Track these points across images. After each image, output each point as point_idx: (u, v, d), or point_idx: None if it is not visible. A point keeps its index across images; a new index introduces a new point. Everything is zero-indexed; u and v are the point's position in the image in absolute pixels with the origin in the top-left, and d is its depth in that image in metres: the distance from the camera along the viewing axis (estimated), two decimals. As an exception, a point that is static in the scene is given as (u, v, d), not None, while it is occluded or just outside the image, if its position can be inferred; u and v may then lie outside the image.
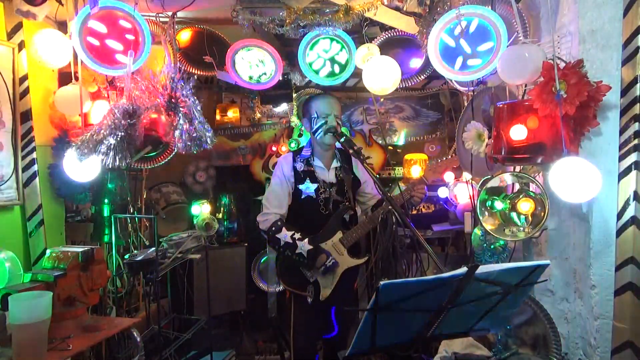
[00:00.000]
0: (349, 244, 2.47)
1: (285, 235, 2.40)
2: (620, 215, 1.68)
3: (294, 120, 4.11)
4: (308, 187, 2.51)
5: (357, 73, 2.85)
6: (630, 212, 1.65)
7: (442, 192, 3.30)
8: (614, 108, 1.67)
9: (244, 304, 3.76)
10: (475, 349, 1.95)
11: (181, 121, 2.31)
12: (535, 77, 1.70)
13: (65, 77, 2.61)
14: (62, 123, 2.76)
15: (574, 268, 1.91)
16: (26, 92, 2.50)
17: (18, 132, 2.46)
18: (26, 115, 2.50)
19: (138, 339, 2.29)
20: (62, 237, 2.83)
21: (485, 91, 2.26)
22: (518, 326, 1.94)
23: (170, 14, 2.71)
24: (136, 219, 3.29)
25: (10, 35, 2.44)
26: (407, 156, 3.63)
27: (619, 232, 1.68)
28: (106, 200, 3.00)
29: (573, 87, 1.57)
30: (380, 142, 4.18)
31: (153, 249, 2.80)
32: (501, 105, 1.82)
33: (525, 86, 1.98)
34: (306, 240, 2.38)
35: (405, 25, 2.62)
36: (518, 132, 1.70)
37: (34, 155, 2.53)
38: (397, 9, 2.58)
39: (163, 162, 2.84)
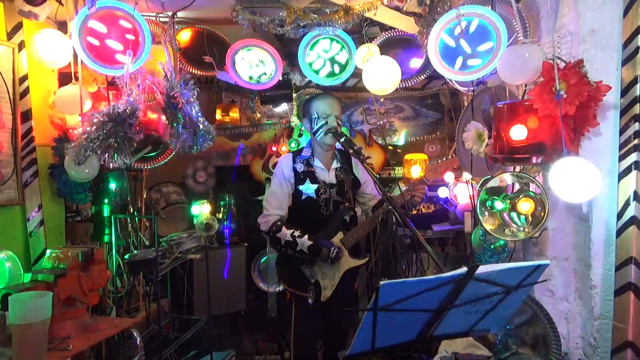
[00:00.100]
0: (350, 245, 2.47)
1: (285, 234, 2.40)
2: (620, 215, 1.68)
3: (294, 120, 4.11)
4: (308, 188, 2.50)
5: (357, 73, 2.85)
6: (630, 212, 1.65)
7: (442, 192, 3.30)
8: (614, 108, 1.67)
9: (244, 304, 3.76)
10: (475, 349, 1.95)
11: (180, 121, 2.31)
12: (535, 77, 1.70)
13: (65, 77, 2.61)
14: (62, 123, 2.77)
15: (574, 268, 1.92)
16: (26, 92, 2.50)
17: (18, 132, 2.46)
18: (26, 115, 2.50)
19: (138, 339, 2.29)
20: (62, 237, 2.83)
21: (485, 91, 2.26)
22: (518, 326, 1.94)
23: (170, 14, 2.71)
24: (136, 219, 3.30)
25: (10, 35, 2.44)
26: (407, 156, 3.63)
27: (619, 232, 1.68)
28: (106, 200, 3.00)
29: (573, 87, 1.57)
30: (380, 142, 4.18)
31: (153, 249, 2.80)
32: (501, 105, 1.82)
33: (525, 86, 1.98)
34: (306, 236, 2.38)
35: (405, 25, 2.63)
36: (518, 132, 1.70)
37: (34, 155, 2.53)
38: (397, 9, 2.58)
39: (163, 162, 2.84)
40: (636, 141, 1.63)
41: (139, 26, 2.37)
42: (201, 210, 3.47)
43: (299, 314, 2.52)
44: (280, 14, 2.62)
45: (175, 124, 2.33)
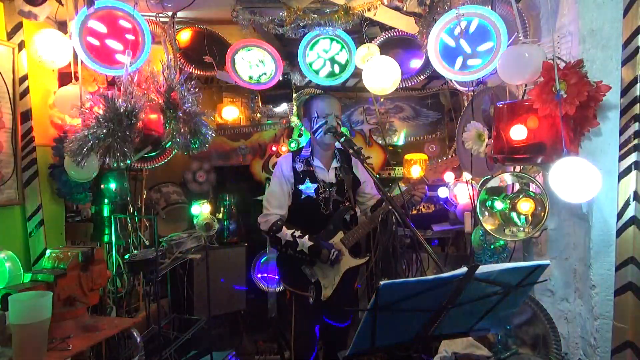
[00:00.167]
0: (350, 244, 2.47)
1: (285, 234, 2.40)
2: (620, 215, 1.68)
3: (294, 120, 4.11)
4: (308, 187, 2.51)
5: (357, 73, 2.85)
6: (630, 212, 1.65)
7: (442, 192, 3.30)
8: (614, 108, 1.67)
9: (244, 304, 3.76)
10: (475, 349, 1.95)
11: (179, 121, 2.31)
12: (535, 77, 1.70)
13: (65, 77, 2.61)
14: (63, 123, 2.77)
15: (574, 268, 1.91)
16: (26, 92, 2.50)
17: (18, 132, 2.46)
18: (26, 115, 2.50)
19: (138, 339, 2.30)
20: (62, 237, 2.83)
21: (485, 91, 2.26)
22: (518, 326, 1.94)
23: (170, 14, 2.71)
24: (136, 219, 3.30)
25: (10, 35, 2.44)
26: (407, 156, 3.63)
27: (619, 232, 1.68)
28: (106, 200, 3.00)
29: (573, 87, 1.57)
30: (380, 142, 4.18)
31: (153, 249, 2.80)
32: (501, 105, 1.82)
33: (525, 86, 1.98)
34: (306, 237, 2.38)
35: (405, 25, 2.63)
36: (518, 132, 1.70)
37: (34, 155, 2.53)
38: (397, 9, 2.58)
39: (163, 162, 2.85)
40: (636, 141, 1.63)
41: (139, 26, 2.37)
42: (201, 210, 3.47)
43: (299, 313, 2.52)
44: (280, 14, 2.62)
45: (171, 124, 2.32)
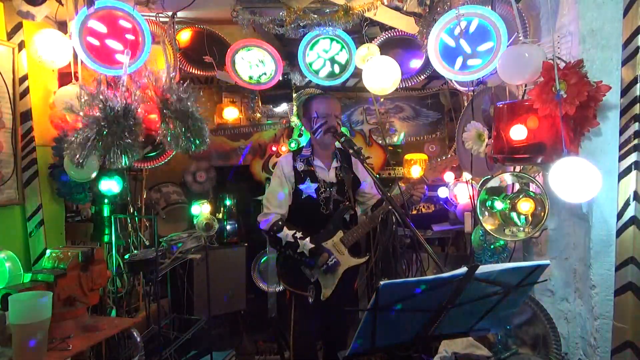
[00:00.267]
0: (350, 244, 2.47)
1: (286, 234, 2.40)
2: (620, 215, 1.68)
3: (294, 120, 4.11)
4: (308, 187, 2.51)
5: (357, 73, 2.85)
6: (630, 212, 1.65)
7: (442, 192, 3.30)
8: (614, 108, 1.67)
9: (244, 304, 3.76)
10: (475, 349, 1.95)
11: (177, 122, 2.30)
12: (535, 77, 1.70)
13: (65, 77, 2.61)
14: (63, 123, 2.76)
15: (574, 268, 1.91)
16: (26, 92, 2.50)
17: (18, 132, 2.46)
18: (26, 115, 2.50)
19: (138, 339, 2.29)
20: (62, 237, 2.83)
21: (485, 91, 2.26)
22: (518, 326, 1.94)
23: (170, 14, 2.71)
24: (136, 219, 3.29)
25: (10, 35, 2.44)
26: (407, 156, 3.63)
27: (619, 232, 1.68)
28: (106, 200, 3.00)
29: (573, 87, 1.57)
30: (380, 142, 4.18)
31: (153, 249, 2.80)
32: (501, 105, 1.82)
33: (525, 86, 1.98)
34: (308, 239, 2.38)
35: (405, 25, 2.63)
36: (518, 132, 1.70)
37: (34, 155, 2.53)
38: (397, 9, 2.58)
39: (163, 162, 2.84)
40: (636, 141, 1.63)
41: (139, 26, 2.37)
42: (201, 210, 3.47)
43: (299, 313, 2.53)
44: (280, 14, 2.62)
45: (169, 124, 2.32)
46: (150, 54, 2.43)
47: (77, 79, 2.52)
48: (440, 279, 1.24)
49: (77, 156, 2.05)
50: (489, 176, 1.97)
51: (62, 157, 2.48)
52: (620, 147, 1.68)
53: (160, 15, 2.70)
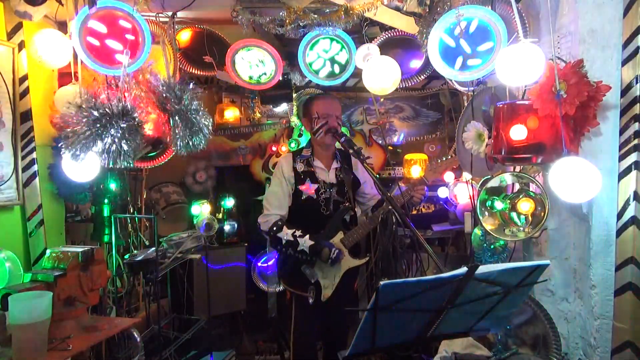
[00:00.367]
0: (350, 245, 2.47)
1: (286, 233, 2.40)
2: (620, 215, 1.68)
3: (294, 120, 4.11)
4: (308, 188, 2.51)
5: (357, 73, 2.85)
6: (630, 212, 1.65)
7: (442, 192, 3.30)
8: (614, 108, 1.67)
9: (244, 304, 3.76)
10: (475, 349, 1.95)
11: (176, 122, 2.30)
12: (535, 77, 1.70)
13: (65, 77, 2.61)
14: (62, 123, 2.76)
15: (574, 268, 1.91)
16: (26, 92, 2.49)
17: (18, 132, 2.46)
18: (26, 115, 2.50)
19: (138, 339, 2.30)
20: (62, 237, 2.83)
21: (485, 91, 2.25)
22: (518, 326, 1.94)
23: (170, 14, 2.71)
24: (136, 219, 3.29)
25: (10, 35, 2.44)
26: (407, 156, 3.63)
27: (619, 232, 1.68)
28: (106, 200, 3.00)
29: (573, 87, 1.57)
30: (380, 142, 4.18)
31: (153, 249, 2.79)
32: (501, 105, 1.82)
33: (526, 86, 1.98)
34: (307, 236, 2.38)
35: (405, 25, 2.62)
36: (518, 132, 1.70)
37: (34, 155, 2.52)
38: (397, 9, 2.58)
39: (163, 162, 2.84)
40: (636, 141, 1.63)
41: (139, 26, 2.37)
42: (201, 210, 3.47)
43: (299, 313, 2.52)
44: (280, 14, 2.62)
45: (167, 124, 2.31)
46: (150, 54, 2.43)
47: (77, 79, 2.51)
48: (440, 279, 1.24)
49: (76, 150, 2.05)
50: (489, 176, 1.97)
51: (62, 157, 2.48)
52: (620, 147, 1.68)
53: (160, 15, 2.70)
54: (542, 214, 1.81)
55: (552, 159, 1.63)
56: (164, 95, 2.24)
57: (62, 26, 2.66)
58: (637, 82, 1.63)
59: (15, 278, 2.17)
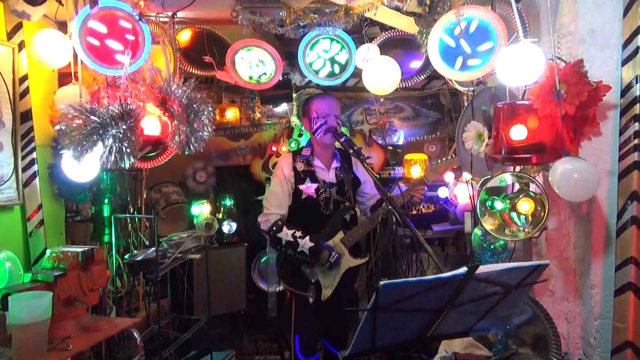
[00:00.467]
0: (350, 244, 2.47)
1: (286, 234, 2.40)
2: (620, 215, 1.68)
3: (294, 120, 4.11)
4: (308, 187, 2.51)
5: (357, 73, 2.85)
6: (630, 212, 1.65)
7: (442, 192, 3.30)
8: (614, 108, 1.68)
9: (244, 304, 3.76)
10: (475, 349, 1.95)
11: (176, 122, 2.30)
12: (535, 77, 1.70)
13: (65, 77, 2.61)
14: (61, 119, 2.76)
15: (574, 268, 1.91)
16: (26, 92, 2.49)
17: (18, 132, 2.45)
18: (26, 115, 2.50)
19: (138, 339, 2.29)
20: (62, 237, 2.83)
21: (485, 91, 2.25)
22: (518, 326, 1.94)
23: (170, 14, 2.71)
24: (136, 219, 3.29)
25: (10, 35, 2.44)
26: (407, 156, 3.63)
27: (619, 232, 1.68)
28: (106, 200, 3.00)
29: (573, 87, 1.57)
30: (380, 142, 4.18)
31: (153, 249, 2.79)
32: (501, 105, 1.82)
33: (526, 86, 1.98)
34: (307, 238, 2.38)
35: (405, 25, 2.62)
36: (518, 132, 1.70)
37: (34, 155, 2.52)
38: (397, 9, 2.58)
39: (163, 162, 2.84)
40: (636, 141, 1.63)
41: (139, 26, 2.37)
42: (201, 210, 3.47)
43: (299, 313, 2.52)
44: (280, 14, 2.61)
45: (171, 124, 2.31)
46: (150, 54, 2.43)
47: (77, 79, 2.51)
48: (440, 279, 1.24)
49: (78, 151, 2.05)
50: (489, 176, 1.97)
51: (62, 157, 2.48)
52: (620, 147, 1.68)
53: (160, 15, 2.70)
54: (542, 214, 1.81)
55: (552, 159, 1.64)
56: (166, 94, 2.24)
57: (62, 26, 2.66)
58: (637, 82, 1.63)
59: (15, 278, 2.17)
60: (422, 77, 2.89)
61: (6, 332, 1.81)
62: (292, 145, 3.96)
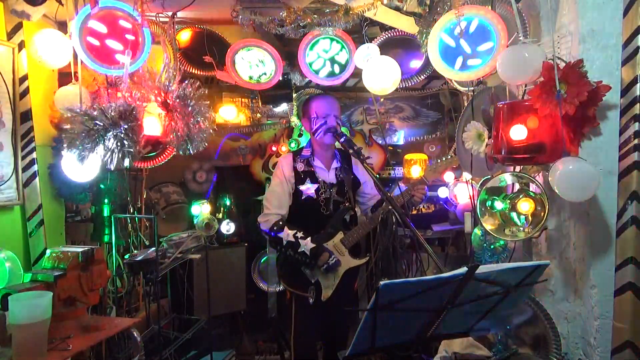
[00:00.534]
0: (350, 245, 2.47)
1: (287, 234, 2.39)
2: (620, 215, 1.68)
3: (294, 120, 4.11)
4: (308, 188, 2.51)
5: (357, 73, 2.85)
6: (630, 212, 1.65)
7: (442, 192, 3.30)
8: (614, 108, 1.68)
9: (244, 304, 3.76)
10: (475, 349, 1.95)
11: (176, 123, 2.30)
12: (535, 77, 1.70)
13: (65, 77, 2.61)
14: (62, 123, 2.76)
15: (574, 268, 1.91)
16: (26, 92, 2.50)
17: (18, 132, 2.46)
18: (26, 115, 2.50)
19: (138, 339, 2.29)
20: (62, 237, 2.83)
21: (485, 91, 2.25)
22: (518, 326, 1.94)
23: (170, 14, 2.71)
24: (136, 219, 3.29)
25: (10, 35, 2.44)
26: (407, 156, 3.63)
27: (619, 232, 1.68)
28: (106, 200, 3.00)
29: (573, 87, 1.57)
30: (380, 142, 4.18)
31: (153, 249, 2.79)
32: (501, 105, 1.82)
33: (525, 86, 1.98)
34: (309, 239, 2.38)
35: (405, 25, 2.62)
36: (518, 132, 1.70)
37: (34, 155, 2.53)
38: (397, 9, 2.58)
39: (163, 162, 2.84)
40: (636, 141, 1.63)
41: (139, 27, 2.37)
42: (201, 210, 3.47)
43: (299, 313, 2.52)
44: (280, 14, 2.62)
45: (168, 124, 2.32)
46: (150, 54, 2.43)
47: (77, 79, 2.51)
48: (440, 279, 1.24)
49: (80, 152, 2.06)
50: (489, 176, 1.97)
51: (62, 157, 2.48)
52: (620, 147, 1.68)
53: (160, 15, 2.70)
54: (542, 214, 1.81)
55: (552, 159, 1.64)
56: (166, 94, 2.24)
57: (62, 26, 2.66)
58: (637, 82, 1.63)
59: (15, 278, 2.17)
60: (422, 77, 2.90)
61: (6, 332, 1.81)
62: (292, 145, 3.96)
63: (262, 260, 3.92)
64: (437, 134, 4.36)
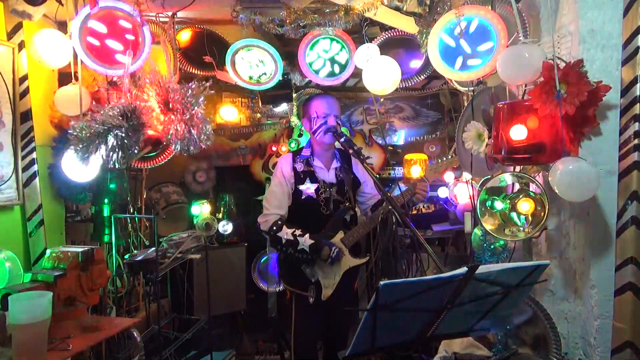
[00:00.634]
0: (350, 244, 2.47)
1: (286, 232, 2.40)
2: (620, 215, 1.68)
3: (294, 120, 4.11)
4: (308, 188, 2.51)
5: (357, 73, 2.85)
6: (630, 212, 1.65)
7: (442, 192, 3.30)
8: (614, 108, 1.68)
9: (244, 304, 3.76)
10: (475, 349, 1.95)
11: (177, 123, 2.30)
12: (535, 77, 1.70)
13: (65, 77, 2.61)
14: (62, 123, 2.76)
15: (574, 268, 1.91)
16: (26, 92, 2.50)
17: (18, 132, 2.46)
18: (26, 115, 2.50)
19: (138, 339, 2.29)
20: (62, 237, 2.83)
21: (485, 91, 2.25)
22: (518, 326, 1.94)
23: (170, 14, 2.71)
24: (136, 219, 3.29)
25: (10, 35, 2.44)
26: (407, 156, 3.63)
27: (619, 232, 1.68)
28: (106, 200, 3.00)
29: (573, 87, 1.57)
30: (380, 142, 4.18)
31: (153, 249, 2.80)
32: (501, 105, 1.82)
33: (525, 86, 1.98)
34: (307, 235, 2.38)
35: (405, 25, 2.62)
36: (518, 132, 1.70)
37: (34, 155, 2.53)
38: (397, 9, 2.58)
39: (163, 162, 2.84)
40: (636, 141, 1.64)
41: (140, 27, 2.37)
42: (201, 210, 3.47)
43: (299, 313, 2.52)
44: (280, 14, 2.62)
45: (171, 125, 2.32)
46: (150, 54, 2.43)
47: (77, 79, 2.52)
48: (440, 279, 1.24)
49: (84, 152, 2.06)
50: (489, 176, 1.97)
51: (62, 157, 2.48)
52: (620, 147, 1.68)
53: (160, 15, 2.70)
54: (542, 214, 1.81)
55: (552, 159, 1.64)
56: (166, 94, 2.25)
57: (62, 26, 2.66)
58: (637, 82, 1.63)
59: (15, 278, 2.17)
60: (422, 77, 2.90)
61: (6, 332, 1.81)
62: (292, 145, 3.96)
63: (262, 260, 3.92)
64: (437, 134, 4.36)
